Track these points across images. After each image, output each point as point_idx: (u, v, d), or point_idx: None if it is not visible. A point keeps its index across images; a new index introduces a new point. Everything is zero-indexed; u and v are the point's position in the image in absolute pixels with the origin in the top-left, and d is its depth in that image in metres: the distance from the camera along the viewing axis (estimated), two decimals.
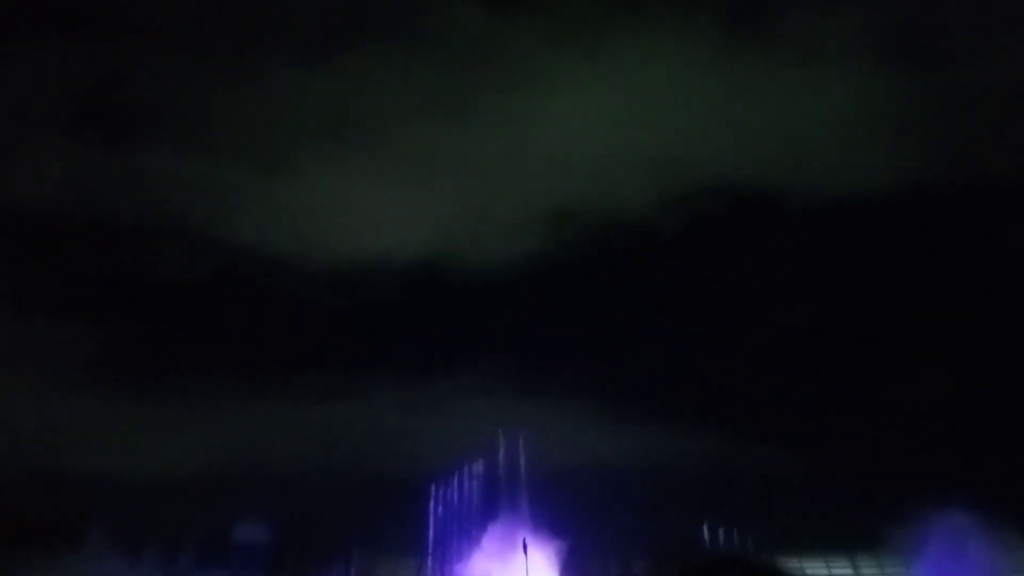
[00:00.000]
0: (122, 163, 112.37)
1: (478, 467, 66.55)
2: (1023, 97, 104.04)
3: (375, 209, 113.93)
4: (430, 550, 53.26)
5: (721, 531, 63.79)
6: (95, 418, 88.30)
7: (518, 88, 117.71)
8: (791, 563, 63.59)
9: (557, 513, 53.19)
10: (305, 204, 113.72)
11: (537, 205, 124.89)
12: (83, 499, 67.58)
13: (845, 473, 70.09)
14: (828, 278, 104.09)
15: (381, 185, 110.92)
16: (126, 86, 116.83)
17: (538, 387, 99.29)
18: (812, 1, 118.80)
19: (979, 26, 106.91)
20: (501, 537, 50.52)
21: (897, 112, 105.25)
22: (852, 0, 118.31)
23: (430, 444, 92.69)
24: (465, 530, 51.52)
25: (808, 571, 64.42)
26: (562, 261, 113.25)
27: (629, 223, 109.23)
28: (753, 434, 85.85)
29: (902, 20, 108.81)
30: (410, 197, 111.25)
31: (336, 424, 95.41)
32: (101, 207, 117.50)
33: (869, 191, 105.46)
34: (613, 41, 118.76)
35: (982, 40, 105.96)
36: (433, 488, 57.71)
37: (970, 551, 50.96)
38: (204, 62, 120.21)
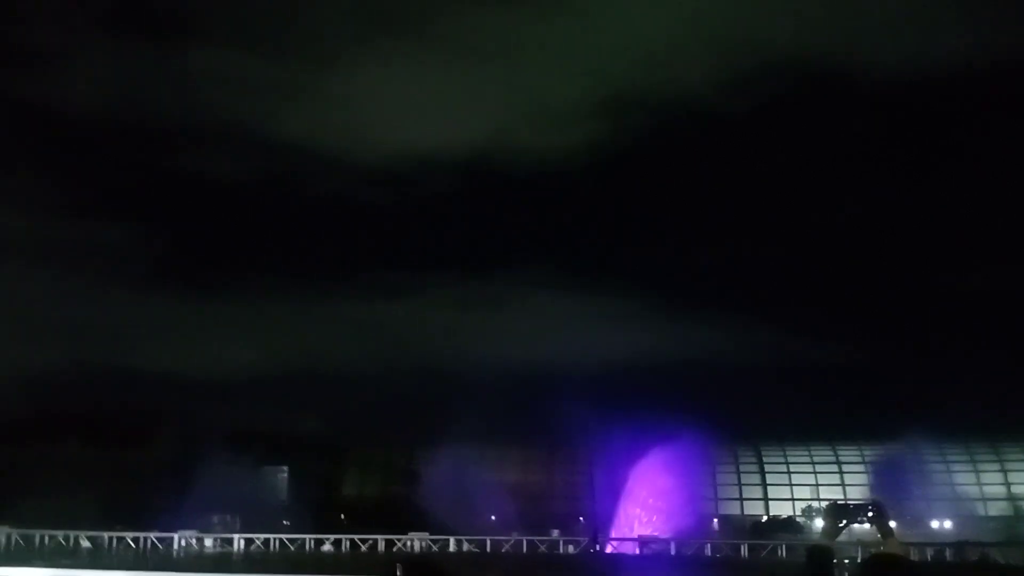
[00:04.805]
0: (167, 61, 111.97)
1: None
2: None
3: (425, 102, 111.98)
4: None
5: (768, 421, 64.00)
6: (159, 320, 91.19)
7: None
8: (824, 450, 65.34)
9: (607, 408, 53.61)
10: (354, 99, 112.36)
11: (594, 92, 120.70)
12: (151, 398, 70.42)
13: (903, 369, 68.87)
14: (900, 164, 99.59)
15: (431, 77, 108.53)
16: None
17: (592, 284, 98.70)
18: None
19: None
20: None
21: None
22: None
23: (485, 340, 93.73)
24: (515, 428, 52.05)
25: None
26: (621, 151, 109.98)
27: (691, 108, 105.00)
28: (807, 329, 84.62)
29: None
30: (462, 88, 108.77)
31: (392, 322, 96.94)
32: (147, 107, 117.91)
33: (946, 71, 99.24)
34: None
35: None
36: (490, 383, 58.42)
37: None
38: None
